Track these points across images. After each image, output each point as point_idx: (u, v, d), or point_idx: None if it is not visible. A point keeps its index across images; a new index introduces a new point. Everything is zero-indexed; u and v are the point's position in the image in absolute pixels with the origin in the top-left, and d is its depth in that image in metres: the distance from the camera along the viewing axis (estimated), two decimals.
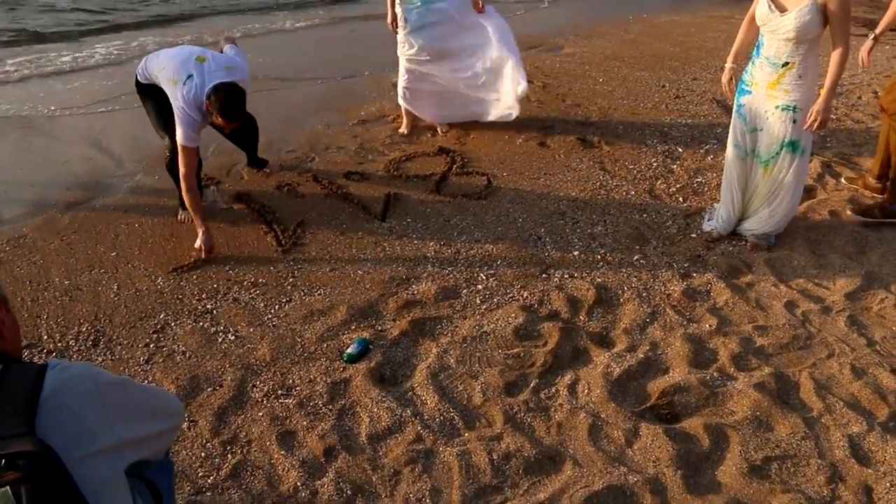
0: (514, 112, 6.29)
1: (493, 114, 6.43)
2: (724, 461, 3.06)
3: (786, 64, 4.19)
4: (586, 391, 3.42)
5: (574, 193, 5.45)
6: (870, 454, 3.10)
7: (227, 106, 4.24)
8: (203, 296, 4.15)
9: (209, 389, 3.44)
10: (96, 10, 11.56)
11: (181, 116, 4.36)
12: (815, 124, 4.17)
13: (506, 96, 6.25)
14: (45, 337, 3.79)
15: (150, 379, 3.48)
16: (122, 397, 1.64)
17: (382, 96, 7.45)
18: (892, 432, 3.20)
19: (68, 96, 7.56)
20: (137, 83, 4.76)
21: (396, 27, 6.02)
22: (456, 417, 3.26)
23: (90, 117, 6.97)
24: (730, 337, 3.83)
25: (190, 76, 4.35)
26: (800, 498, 2.86)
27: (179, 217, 5.00)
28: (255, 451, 3.10)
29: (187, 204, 4.56)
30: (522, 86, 6.08)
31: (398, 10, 5.95)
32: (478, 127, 6.55)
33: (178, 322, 3.92)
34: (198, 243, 4.56)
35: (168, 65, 4.49)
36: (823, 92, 4.14)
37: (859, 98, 7.81)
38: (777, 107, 4.29)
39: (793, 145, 4.35)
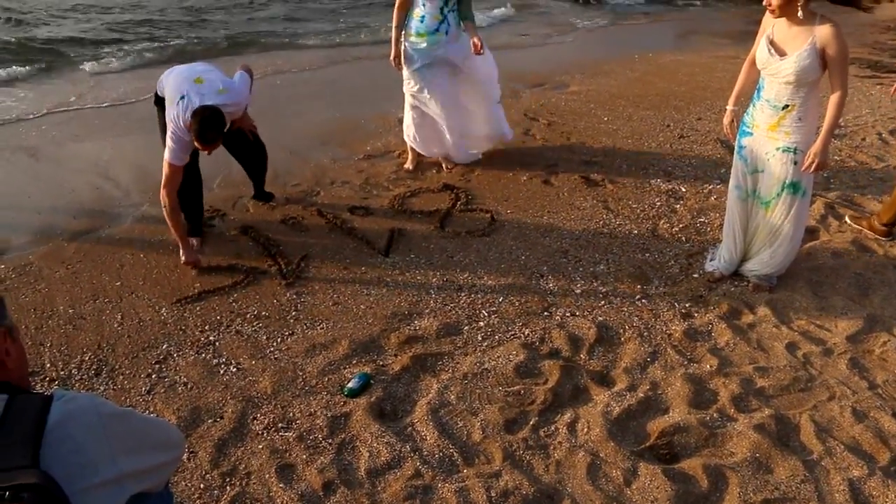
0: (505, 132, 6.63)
1: (486, 143, 6.71)
2: (722, 503, 3.06)
3: (786, 107, 4.23)
4: (585, 430, 3.42)
5: (577, 231, 5.48)
6: (870, 499, 3.09)
7: (202, 129, 4.29)
8: (206, 327, 4.17)
9: (210, 421, 3.45)
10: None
11: (171, 135, 4.47)
12: (814, 166, 4.21)
13: (480, 132, 6.50)
14: (49, 365, 3.81)
15: (152, 409, 3.49)
16: (125, 429, 1.65)
17: (388, 132, 7.52)
18: (893, 477, 3.19)
19: (78, 124, 7.65)
20: (156, 96, 4.89)
21: (399, 64, 6.10)
22: (455, 454, 3.26)
23: (99, 146, 7.04)
24: (730, 378, 3.83)
25: (183, 97, 4.45)
26: None
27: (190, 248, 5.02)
28: (254, 483, 3.11)
29: (168, 220, 4.65)
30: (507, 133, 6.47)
31: (403, 47, 6.03)
32: (483, 164, 6.61)
33: (180, 353, 3.94)
34: (183, 259, 4.69)
35: (171, 83, 4.62)
36: (821, 134, 4.17)
37: (863, 140, 7.84)
38: (778, 148, 4.33)
39: (794, 187, 4.38)
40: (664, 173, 6.70)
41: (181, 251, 4.72)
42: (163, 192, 4.57)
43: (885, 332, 4.27)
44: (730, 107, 4.67)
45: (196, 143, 4.41)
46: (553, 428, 3.45)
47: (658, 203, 6.04)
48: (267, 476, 3.14)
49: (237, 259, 4.91)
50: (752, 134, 4.44)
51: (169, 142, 4.50)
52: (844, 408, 3.62)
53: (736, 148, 4.59)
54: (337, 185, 6.19)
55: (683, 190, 6.32)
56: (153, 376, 3.75)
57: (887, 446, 3.38)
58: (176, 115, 4.42)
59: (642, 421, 3.53)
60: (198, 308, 4.36)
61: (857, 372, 3.92)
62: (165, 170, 4.53)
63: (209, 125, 4.30)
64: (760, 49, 4.25)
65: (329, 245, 5.14)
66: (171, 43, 11.64)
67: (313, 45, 12.32)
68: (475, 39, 5.96)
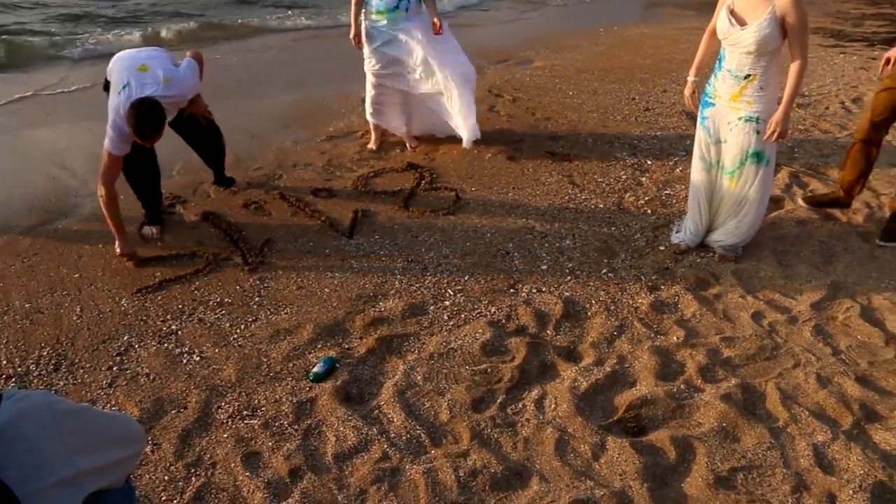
0: (465, 135, 6.30)
1: (450, 130, 6.48)
2: (690, 473, 3.06)
3: (747, 76, 4.22)
4: (553, 406, 3.41)
5: (543, 207, 5.46)
6: (834, 462, 3.10)
7: (139, 123, 4.19)
8: (168, 317, 4.11)
9: (173, 412, 3.40)
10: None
11: (111, 123, 4.38)
12: (775, 135, 4.21)
13: (456, 119, 6.28)
14: (5, 362, 3.73)
15: (114, 402, 3.43)
16: (81, 426, 1.60)
17: (351, 112, 7.44)
18: (855, 440, 3.21)
19: (32, 112, 7.50)
20: (105, 81, 4.77)
21: (359, 42, 6.02)
22: (422, 435, 3.24)
23: (54, 134, 6.91)
24: (697, 349, 3.84)
25: (126, 85, 4.36)
26: None
27: (145, 232, 5.01)
28: (220, 473, 3.06)
29: (104, 210, 4.56)
30: (467, 136, 6.22)
31: (363, 25, 5.96)
32: (447, 142, 6.56)
33: (141, 344, 3.87)
34: (118, 251, 4.63)
35: (116, 70, 4.53)
36: (783, 103, 4.17)
37: (827, 108, 7.88)
38: (740, 118, 4.32)
39: (757, 156, 4.38)
40: (630, 147, 6.69)
41: (117, 243, 4.63)
42: (99, 182, 4.49)
43: (849, 299, 4.29)
44: (691, 78, 4.65)
45: (133, 137, 4.30)
46: (520, 405, 3.43)
47: (624, 176, 6.03)
48: (233, 465, 3.09)
49: (198, 246, 4.83)
50: (714, 104, 4.43)
51: (109, 130, 4.40)
52: (809, 374, 3.63)
53: (699, 119, 4.58)
54: (299, 168, 6.12)
55: (649, 163, 6.32)
56: (114, 369, 3.68)
57: (850, 410, 3.40)
58: (117, 104, 4.33)
59: (610, 395, 3.52)
60: (159, 297, 4.29)
61: (821, 339, 3.94)
62: (104, 158, 4.46)
63: (146, 120, 4.19)
64: (721, 19, 4.23)
65: (292, 229, 5.08)
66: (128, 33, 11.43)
67: (273, 28, 12.18)
68: (434, 19, 5.90)
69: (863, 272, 4.58)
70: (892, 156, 6.25)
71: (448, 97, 6.11)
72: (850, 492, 2.93)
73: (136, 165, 4.82)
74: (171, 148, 5.26)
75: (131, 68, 4.45)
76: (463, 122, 6.17)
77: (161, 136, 4.39)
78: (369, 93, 6.25)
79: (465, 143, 6.24)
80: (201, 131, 5.27)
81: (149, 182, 4.98)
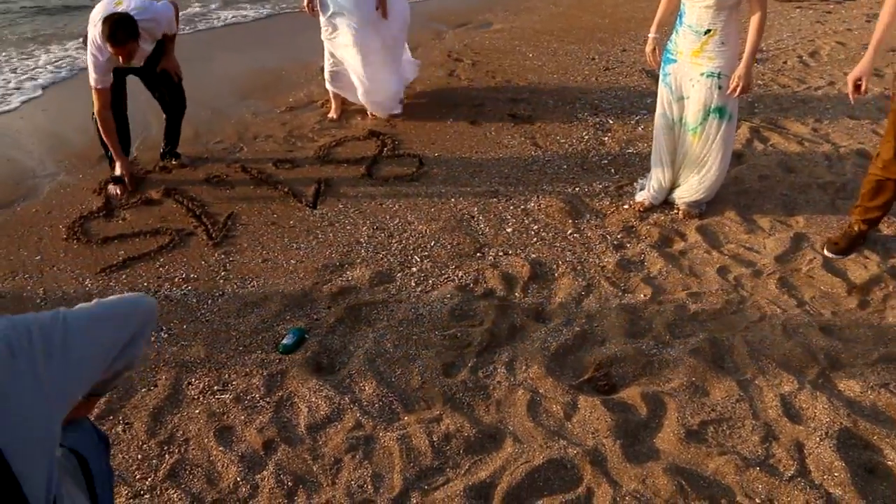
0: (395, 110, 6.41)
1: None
2: (661, 428, 3.10)
3: (708, 31, 4.22)
4: (524, 367, 3.43)
5: (506, 170, 5.45)
6: (801, 412, 3.15)
7: (111, 29, 4.43)
8: None
9: (143, 390, 3.37)
10: None
11: (90, 59, 4.68)
12: (738, 89, 4.22)
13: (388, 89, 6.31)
14: None
15: None
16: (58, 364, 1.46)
17: (310, 81, 7.34)
18: (821, 389, 3.27)
19: None
20: (84, 38, 4.99)
21: (313, 10, 5.92)
22: (395, 402, 3.24)
23: (8, 116, 6.75)
24: (664, 305, 3.87)
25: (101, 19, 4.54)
26: (735, 459, 2.89)
27: (110, 192, 5.11)
28: (193, 449, 3.05)
29: (104, 137, 4.96)
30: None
31: None
32: (408, 108, 6.51)
33: None
34: (118, 170, 4.99)
35: (96, 11, 4.70)
36: (744, 57, 4.18)
37: (785, 63, 7.92)
38: (702, 74, 4.33)
39: (719, 111, 4.39)
40: (591, 106, 6.69)
41: (116, 165, 5.02)
42: (96, 117, 4.92)
43: (811, 250, 4.34)
44: (651, 34, 4.64)
45: (110, 49, 4.50)
46: (491, 368, 3.44)
47: (586, 136, 6.03)
48: (206, 440, 3.08)
49: (161, 222, 4.77)
50: (676, 61, 4.43)
51: (89, 67, 4.67)
52: (775, 326, 3.68)
53: (661, 76, 4.58)
54: (260, 140, 6.04)
55: (611, 122, 6.32)
56: None
57: (815, 360, 3.46)
58: (93, 36, 4.56)
59: (580, 354, 3.54)
60: (123, 276, 4.23)
61: (786, 291, 3.99)
62: (93, 96, 4.82)
63: (118, 25, 4.42)
64: None
65: (255, 201, 5.03)
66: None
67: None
68: None
69: (824, 223, 4.64)
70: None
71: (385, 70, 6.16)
72: (817, 439, 2.99)
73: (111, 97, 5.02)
74: (130, 125, 5.20)
75: (109, 4, 4.64)
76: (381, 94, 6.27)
77: (135, 50, 4.64)
78: (327, 61, 6.17)
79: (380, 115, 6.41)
80: (171, 88, 5.32)
81: (119, 138, 5.10)
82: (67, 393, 1.47)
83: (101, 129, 4.96)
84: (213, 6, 11.04)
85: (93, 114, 5.00)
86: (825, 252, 4.32)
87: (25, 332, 1.41)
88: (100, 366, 1.59)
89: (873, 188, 4.22)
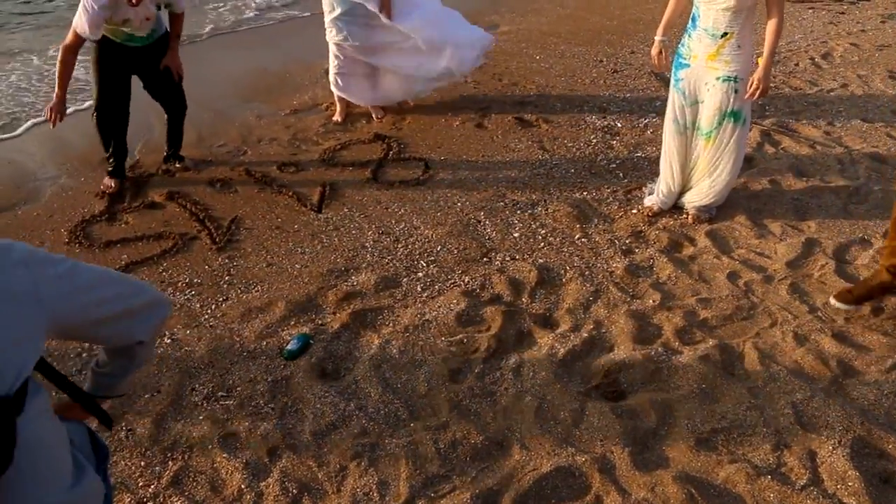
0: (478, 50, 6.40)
1: (424, 85, 6.41)
2: (671, 436, 3.06)
3: (725, 34, 4.18)
4: (531, 374, 3.38)
5: (513, 174, 5.40)
6: (814, 419, 3.10)
7: None
8: None
9: (147, 396, 3.34)
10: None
11: (83, 5, 4.55)
12: (757, 92, 4.19)
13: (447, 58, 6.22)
14: None
15: None
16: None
17: (315, 84, 7.30)
18: (833, 396, 3.22)
19: None
20: None
21: None
22: (401, 408, 3.21)
23: None
24: (673, 311, 3.82)
25: None
26: (746, 467, 2.86)
27: (104, 184, 5.13)
28: (197, 456, 3.03)
29: (57, 71, 4.76)
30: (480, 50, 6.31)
31: None
32: (414, 111, 6.48)
33: None
34: (49, 105, 4.80)
35: None
36: (763, 60, 4.15)
37: (796, 65, 7.87)
38: (718, 78, 4.28)
39: (735, 115, 4.35)
40: (599, 109, 6.64)
41: (53, 99, 4.80)
42: (62, 47, 4.73)
43: (823, 256, 4.29)
44: (658, 37, 4.60)
45: None
46: (498, 374, 3.40)
47: (594, 140, 5.99)
48: (210, 447, 3.05)
49: (165, 226, 4.74)
50: (689, 66, 4.38)
51: (80, 9, 4.57)
52: (786, 333, 3.63)
53: (672, 81, 4.53)
54: (264, 143, 6.01)
55: (619, 125, 6.28)
56: (84, 355, 3.61)
57: (827, 367, 3.41)
58: None
59: (588, 360, 3.50)
60: None
61: (797, 297, 3.94)
62: (69, 34, 4.68)
63: None
64: None
65: (259, 205, 5.00)
66: None
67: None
68: None
69: (836, 228, 4.59)
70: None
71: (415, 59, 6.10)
72: (830, 448, 2.94)
73: (110, 110, 4.99)
74: (132, 128, 5.16)
75: None
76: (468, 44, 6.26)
77: None
78: (332, 63, 6.13)
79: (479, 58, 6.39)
80: (172, 88, 5.26)
81: (118, 129, 5.08)
82: (59, 311, 1.47)
83: (58, 68, 4.76)
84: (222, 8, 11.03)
85: (93, 114, 5.00)
86: (833, 302, 3.85)
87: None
88: (97, 310, 1.57)
89: None
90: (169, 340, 3.70)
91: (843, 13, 10.28)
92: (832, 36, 9.03)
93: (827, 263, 4.21)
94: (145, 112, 5.77)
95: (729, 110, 4.32)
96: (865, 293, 3.79)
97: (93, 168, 5.51)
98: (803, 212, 4.79)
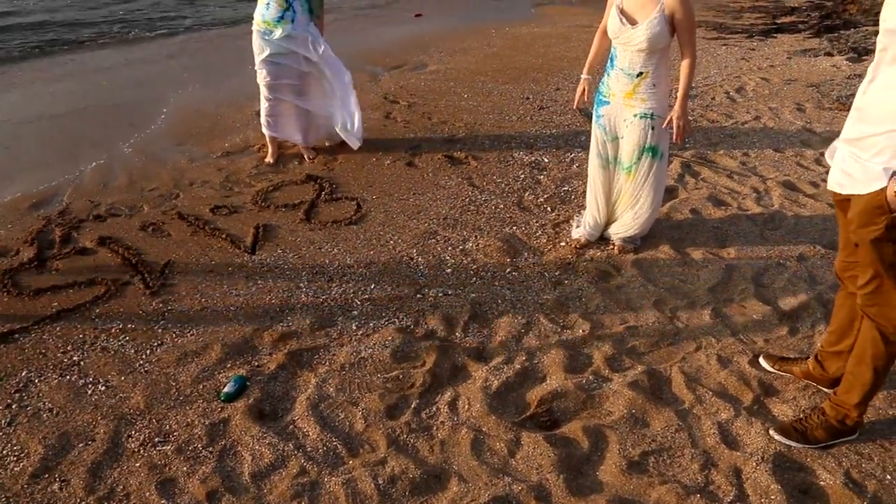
0: (355, 142, 6.50)
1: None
2: (604, 461, 3.14)
3: (640, 74, 4.34)
4: (466, 406, 3.45)
5: (444, 211, 5.50)
6: (738, 438, 3.23)
7: None
8: (68, 347, 3.97)
9: (80, 445, 3.29)
10: None
11: None
12: (680, 131, 4.35)
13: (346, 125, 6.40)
14: None
15: (15, 441, 3.29)
16: None
17: (246, 126, 7.34)
18: (756, 415, 3.36)
19: None
20: None
21: None
22: (339, 446, 3.23)
23: None
24: (603, 340, 3.93)
25: None
26: (676, 487, 2.95)
27: None
28: (135, 503, 2.99)
29: None
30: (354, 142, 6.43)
31: (255, 36, 5.93)
32: (345, 151, 6.55)
33: (42, 378, 3.73)
34: None
35: None
36: (678, 99, 4.31)
37: (713, 99, 8.18)
38: (635, 115, 4.45)
39: (652, 150, 4.52)
40: (526, 145, 6.80)
41: None
42: None
43: (743, 280, 4.47)
44: (583, 76, 4.76)
45: None
46: (434, 409, 3.45)
47: (522, 175, 6.12)
48: (147, 494, 3.02)
49: (96, 272, 4.69)
50: (609, 103, 4.54)
51: None
52: (710, 356, 3.77)
53: (594, 118, 4.69)
54: (196, 186, 6.01)
55: (546, 160, 6.44)
56: (13, 406, 3.54)
57: (749, 387, 3.55)
58: None
59: (521, 391, 3.57)
60: (58, 328, 4.14)
61: (719, 321, 4.09)
62: None
63: None
64: (612, 19, 4.34)
65: (193, 248, 4.99)
66: None
67: (156, 34, 11.91)
68: (319, 29, 5.96)
69: (754, 254, 4.78)
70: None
71: (335, 103, 6.22)
72: (754, 464, 3.06)
73: None
74: (56, 171, 5.11)
75: None
76: (351, 127, 6.33)
77: None
78: (263, 105, 6.20)
79: (354, 146, 6.40)
80: None
81: None
82: None
83: None
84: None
85: None
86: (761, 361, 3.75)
87: None
88: None
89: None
90: (103, 388, 3.65)
91: (753, 49, 10.72)
92: (745, 71, 9.42)
93: (746, 288, 4.39)
94: (73, 156, 5.73)
95: (647, 146, 4.49)
96: (787, 368, 3.66)
97: (21, 214, 5.43)
98: (723, 239, 4.98)
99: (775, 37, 11.79)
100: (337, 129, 6.38)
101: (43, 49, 11.18)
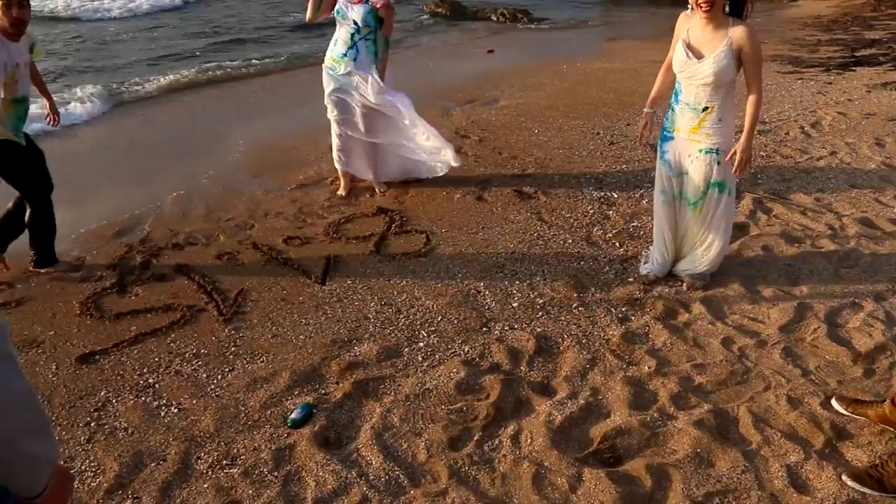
0: (441, 168, 6.48)
1: (424, 172, 6.60)
2: (667, 500, 3.10)
3: (706, 108, 4.34)
4: (529, 440, 3.45)
5: (512, 245, 5.53)
6: (808, 482, 3.16)
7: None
8: (144, 370, 4.11)
9: (153, 464, 3.40)
10: None
11: None
12: (741, 165, 4.31)
13: (430, 157, 6.42)
14: None
15: (92, 458, 3.42)
16: None
17: (320, 159, 7.48)
18: (827, 458, 3.28)
19: None
20: None
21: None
22: (401, 475, 3.26)
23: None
24: (669, 377, 3.90)
25: None
26: None
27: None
28: None
29: None
30: (448, 154, 6.32)
31: (323, 72, 6.14)
32: (416, 185, 6.65)
33: (119, 398, 3.87)
34: None
35: None
36: (745, 133, 4.28)
37: (787, 134, 8.06)
38: (700, 150, 4.43)
39: (720, 185, 4.49)
40: (596, 181, 6.80)
41: None
42: None
43: (815, 319, 4.38)
44: (646, 109, 4.77)
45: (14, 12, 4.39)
46: (497, 441, 3.47)
47: (591, 211, 6.12)
48: None
49: (173, 298, 4.85)
50: (673, 138, 4.54)
51: None
52: (780, 396, 3.71)
53: (658, 153, 4.69)
54: (270, 217, 6.16)
55: (615, 196, 6.42)
56: (92, 424, 3.68)
57: (821, 429, 3.47)
58: None
59: (585, 427, 3.56)
60: (135, 351, 4.29)
61: (790, 360, 4.02)
62: None
63: None
64: (678, 53, 4.35)
65: (265, 277, 5.12)
66: None
67: (238, 72, 12.28)
68: (381, 71, 6.08)
69: (828, 292, 4.69)
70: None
71: (411, 137, 6.28)
72: None
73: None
74: (140, 200, 5.29)
75: None
76: (440, 151, 6.33)
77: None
78: (334, 140, 6.36)
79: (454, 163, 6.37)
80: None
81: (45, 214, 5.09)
82: None
83: None
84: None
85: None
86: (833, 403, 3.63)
87: None
88: None
89: None
90: (175, 410, 3.77)
91: (830, 83, 10.53)
92: (821, 105, 9.26)
93: (819, 327, 4.30)
94: (156, 187, 5.93)
95: (713, 181, 4.46)
96: (861, 411, 3.52)
97: (105, 241, 5.64)
98: (795, 277, 4.89)
99: (854, 70, 11.55)
100: (423, 158, 6.46)
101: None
